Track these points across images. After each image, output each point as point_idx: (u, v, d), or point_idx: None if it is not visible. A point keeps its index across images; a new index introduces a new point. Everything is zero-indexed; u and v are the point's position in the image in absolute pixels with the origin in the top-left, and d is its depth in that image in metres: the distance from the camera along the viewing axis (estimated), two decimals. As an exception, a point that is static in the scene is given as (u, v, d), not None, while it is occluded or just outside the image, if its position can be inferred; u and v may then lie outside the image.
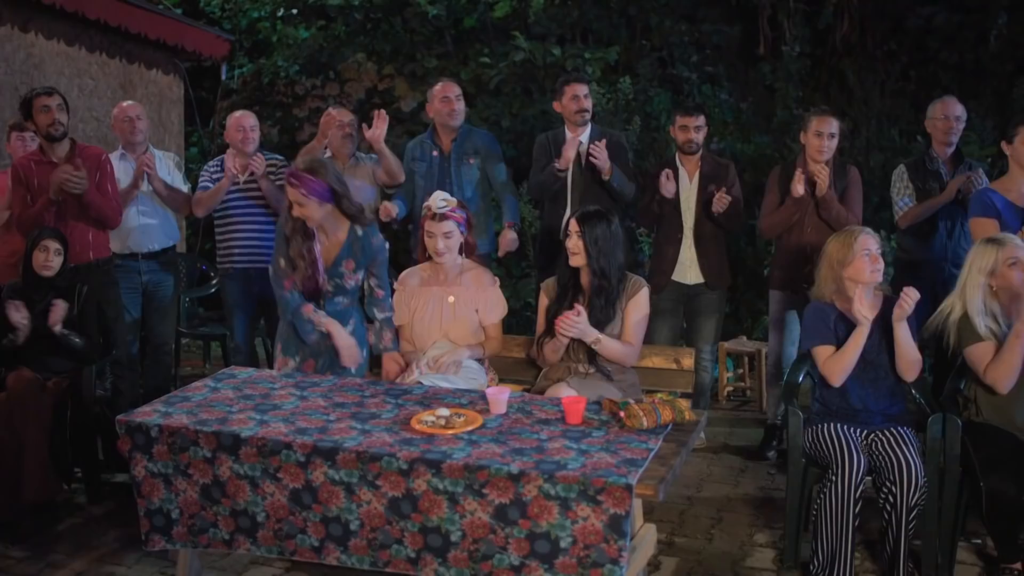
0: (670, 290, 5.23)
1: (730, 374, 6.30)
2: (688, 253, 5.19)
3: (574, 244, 3.93)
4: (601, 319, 3.88)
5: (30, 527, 4.26)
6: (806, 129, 4.94)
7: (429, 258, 4.23)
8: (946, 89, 8.03)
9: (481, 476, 2.88)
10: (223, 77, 8.21)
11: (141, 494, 3.34)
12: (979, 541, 4.05)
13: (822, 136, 4.86)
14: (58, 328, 4.51)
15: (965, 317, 3.81)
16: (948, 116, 5.15)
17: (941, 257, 5.04)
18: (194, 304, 6.67)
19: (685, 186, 5.19)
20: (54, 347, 4.54)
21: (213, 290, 6.71)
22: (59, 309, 4.50)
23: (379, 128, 5.16)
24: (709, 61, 8.59)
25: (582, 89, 5.29)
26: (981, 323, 3.75)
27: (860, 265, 3.78)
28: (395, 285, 4.25)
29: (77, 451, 4.54)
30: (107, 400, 4.74)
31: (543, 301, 4.10)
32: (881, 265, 3.80)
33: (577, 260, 3.94)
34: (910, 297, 3.66)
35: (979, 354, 3.74)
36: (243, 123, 5.33)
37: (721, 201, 5.00)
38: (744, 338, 6.41)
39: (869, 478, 3.61)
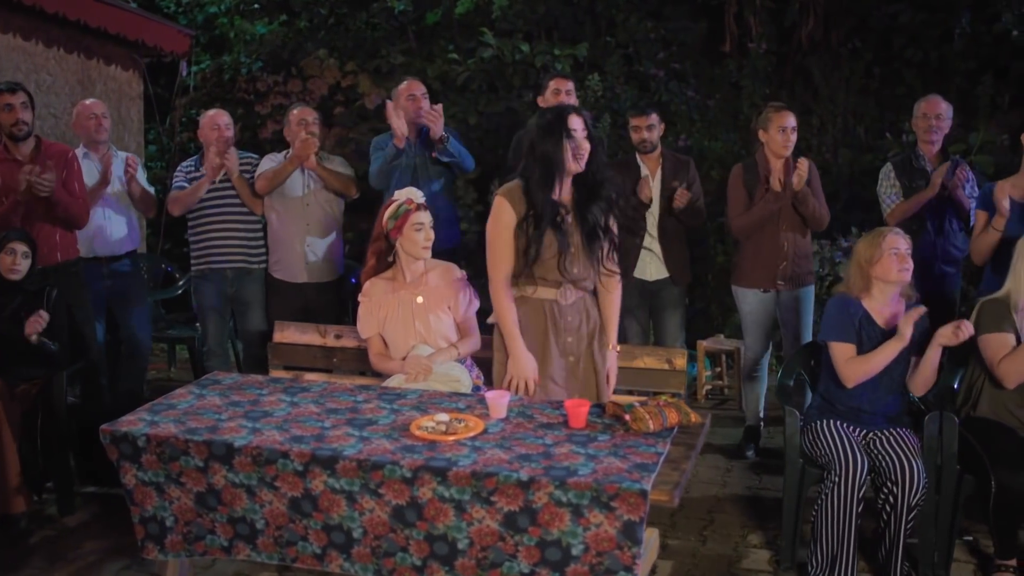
0: (632, 287, 5.19)
1: (708, 373, 6.27)
2: (652, 249, 5.16)
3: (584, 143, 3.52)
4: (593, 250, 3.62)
5: (0, 541, 4.10)
6: (766, 127, 4.93)
7: (387, 265, 4.09)
8: (909, 87, 8.12)
9: (489, 483, 2.79)
10: (184, 73, 8.00)
11: (134, 502, 3.22)
12: (971, 538, 4.06)
13: (785, 131, 4.85)
14: (35, 337, 4.34)
15: (996, 302, 3.78)
16: (928, 114, 5.17)
17: (930, 255, 5.05)
18: (157, 306, 6.49)
19: (649, 183, 5.16)
20: (23, 353, 4.36)
21: (180, 291, 6.54)
22: (40, 320, 4.32)
23: (306, 152, 5.05)
24: (675, 58, 8.56)
25: (565, 85, 5.20)
26: (1016, 314, 3.72)
27: (888, 264, 3.75)
28: (359, 298, 4.09)
29: (48, 461, 4.37)
30: (78, 407, 4.57)
31: (505, 215, 3.57)
32: (909, 265, 3.76)
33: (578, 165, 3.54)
34: (963, 330, 3.63)
35: (996, 344, 3.71)
36: (217, 121, 5.19)
37: (682, 197, 5.01)
38: (722, 336, 6.39)
39: (868, 478, 3.60)
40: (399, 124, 5.00)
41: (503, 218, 3.57)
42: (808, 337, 5.04)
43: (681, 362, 4.07)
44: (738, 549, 4.07)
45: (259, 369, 5.24)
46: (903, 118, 7.72)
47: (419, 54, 8.70)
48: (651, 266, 5.21)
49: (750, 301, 5.12)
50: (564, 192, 3.59)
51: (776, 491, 4.58)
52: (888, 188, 5.22)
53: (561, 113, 3.53)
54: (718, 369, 6.28)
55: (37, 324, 4.32)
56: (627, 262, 5.12)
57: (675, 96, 8.23)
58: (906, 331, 3.64)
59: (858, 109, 8.10)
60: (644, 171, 5.18)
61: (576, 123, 3.50)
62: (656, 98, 8.27)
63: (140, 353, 5.45)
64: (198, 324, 6.16)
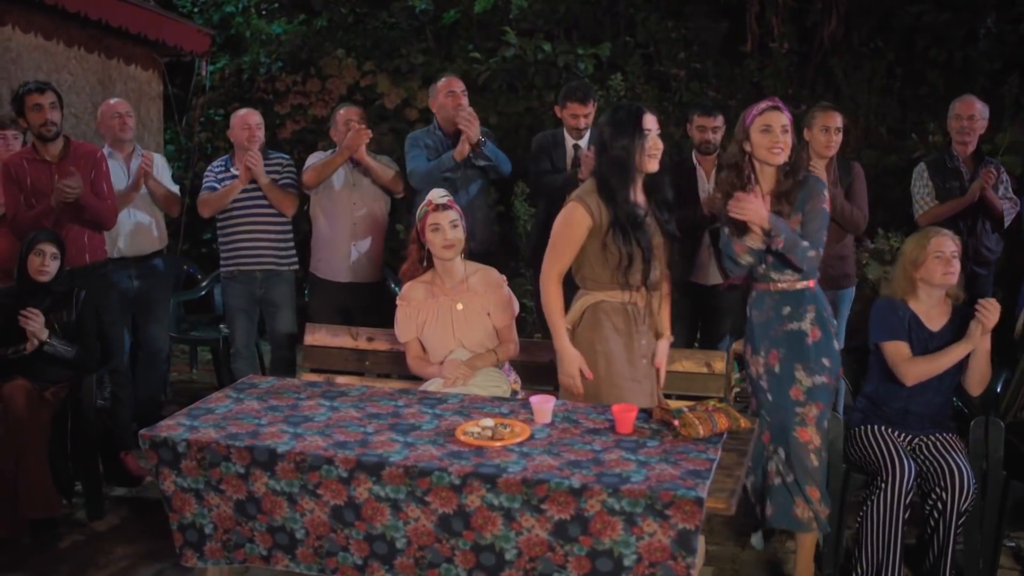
0: (686, 291, 5.13)
1: (737, 375, 6.20)
2: (706, 253, 5.09)
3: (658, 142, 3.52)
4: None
5: (30, 546, 4.06)
6: (810, 125, 4.85)
7: (425, 267, 4.05)
8: (932, 87, 8.06)
9: (540, 491, 2.74)
10: (204, 72, 7.94)
11: (172, 508, 3.17)
12: (1013, 544, 4.00)
13: (829, 131, 4.75)
14: (36, 341, 4.26)
15: None
16: (961, 115, 5.13)
17: (962, 256, 4.98)
18: (179, 307, 6.44)
19: (703, 185, 5.09)
20: (51, 355, 4.31)
21: (203, 293, 6.49)
22: (34, 319, 4.25)
23: (357, 142, 4.99)
24: (696, 58, 8.48)
25: (581, 109, 5.06)
26: None
27: (932, 267, 3.70)
28: (397, 301, 4.04)
29: (77, 464, 4.32)
30: (106, 410, 4.52)
31: (578, 219, 3.51)
32: (955, 268, 3.72)
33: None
34: (990, 310, 3.57)
35: None
36: (248, 120, 5.13)
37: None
38: (750, 338, 6.31)
39: (915, 484, 3.54)
40: (474, 133, 4.88)
41: (575, 221, 3.52)
42: (840, 341, 4.96)
43: (721, 366, 4.03)
44: (779, 555, 4.02)
45: (286, 371, 5.21)
46: (926, 118, 7.67)
47: (438, 54, 8.64)
48: (710, 270, 5.13)
49: None
50: (638, 194, 3.56)
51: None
52: (921, 188, 5.18)
53: (635, 111, 3.48)
54: (745, 371, 6.20)
55: (32, 323, 4.24)
56: (682, 265, 5.09)
57: (696, 96, 8.15)
58: (976, 334, 3.59)
59: (880, 109, 8.03)
60: (700, 174, 5.11)
61: (650, 122, 3.47)
62: (677, 98, 8.20)
63: (159, 358, 5.40)
64: (222, 325, 6.13)
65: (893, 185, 7.12)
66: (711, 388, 3.96)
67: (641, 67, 8.25)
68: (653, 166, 3.49)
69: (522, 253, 7.05)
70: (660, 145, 3.49)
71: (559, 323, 3.57)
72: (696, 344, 5.45)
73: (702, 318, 5.31)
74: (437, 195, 3.99)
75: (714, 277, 5.10)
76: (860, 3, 8.35)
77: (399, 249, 7.50)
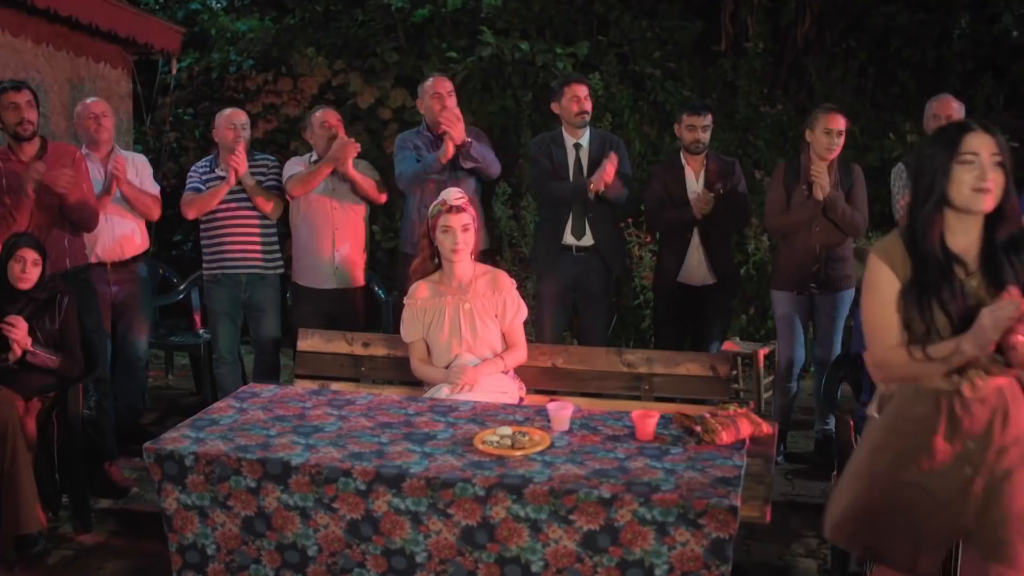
0: (675, 292, 5.11)
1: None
2: (696, 254, 5.05)
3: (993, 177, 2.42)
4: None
5: (17, 562, 3.89)
6: (813, 127, 4.83)
7: (436, 264, 3.98)
8: (904, 87, 8.12)
9: (568, 501, 2.68)
10: (173, 71, 7.75)
11: (173, 528, 3.05)
12: None
13: (831, 134, 4.75)
14: (27, 344, 4.10)
15: None
16: (939, 115, 5.12)
17: None
18: (155, 312, 6.26)
19: (692, 186, 5.06)
20: (35, 364, 4.15)
21: (180, 297, 6.33)
22: (16, 330, 4.07)
23: (346, 155, 4.88)
24: (670, 57, 8.46)
25: (583, 90, 5.06)
26: None
27: None
28: (404, 300, 3.96)
29: (64, 477, 4.17)
30: (91, 420, 4.37)
31: (883, 283, 2.54)
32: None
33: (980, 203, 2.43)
34: None
35: None
36: (234, 120, 4.98)
37: (703, 201, 4.89)
38: (738, 339, 6.31)
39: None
40: (458, 134, 4.77)
41: (879, 285, 2.55)
42: (836, 342, 4.96)
43: (725, 369, 3.98)
44: (784, 558, 3.99)
45: (270, 377, 5.09)
46: (899, 119, 7.72)
47: (411, 52, 8.52)
48: (698, 271, 5.08)
49: (783, 304, 5.03)
50: (967, 240, 2.52)
51: (811, 498, 4.53)
52: (900, 189, 5.18)
53: (956, 126, 2.51)
54: (735, 372, 6.19)
55: (16, 333, 4.06)
56: (670, 267, 5.05)
57: (671, 96, 8.14)
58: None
59: (853, 109, 8.06)
60: (689, 174, 5.08)
61: (977, 143, 2.42)
62: (652, 98, 8.18)
63: (137, 365, 5.24)
64: (201, 330, 5.99)
65: (869, 185, 7.16)
66: (717, 392, 3.91)
67: (616, 66, 8.21)
68: (979, 204, 2.42)
69: (504, 255, 6.97)
70: (990, 178, 2.40)
71: (946, 345, 2.44)
72: (685, 347, 5.41)
73: (691, 320, 5.27)
74: (452, 196, 3.91)
75: (703, 278, 5.07)
76: (834, 3, 8.40)
77: (375, 251, 7.40)
